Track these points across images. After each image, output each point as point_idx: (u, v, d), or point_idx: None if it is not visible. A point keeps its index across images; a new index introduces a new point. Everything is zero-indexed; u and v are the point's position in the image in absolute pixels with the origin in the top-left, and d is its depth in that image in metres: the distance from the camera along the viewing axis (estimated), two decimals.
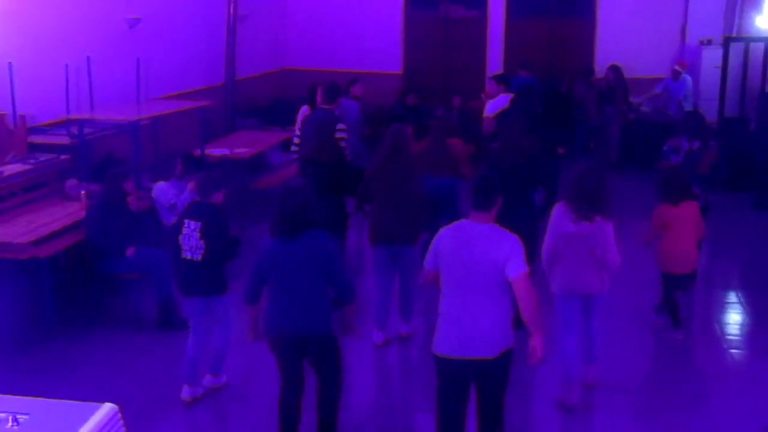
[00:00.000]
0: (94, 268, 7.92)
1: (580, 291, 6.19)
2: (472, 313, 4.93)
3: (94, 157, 10.11)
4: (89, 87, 10.01)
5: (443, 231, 5.17)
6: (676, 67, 14.29)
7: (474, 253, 4.92)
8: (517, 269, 4.87)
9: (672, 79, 14.30)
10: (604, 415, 6.36)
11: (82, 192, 8.49)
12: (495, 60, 16.27)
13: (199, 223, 6.20)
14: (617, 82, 13.81)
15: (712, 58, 14.29)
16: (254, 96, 15.09)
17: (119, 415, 3.23)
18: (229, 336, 6.53)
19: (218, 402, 6.45)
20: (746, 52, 13.27)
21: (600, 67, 15.16)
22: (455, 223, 5.17)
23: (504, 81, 11.46)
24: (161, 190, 8.81)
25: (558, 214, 6.18)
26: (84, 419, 3.08)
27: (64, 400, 3.32)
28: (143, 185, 9.11)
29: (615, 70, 13.96)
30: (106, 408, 3.19)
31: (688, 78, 14.33)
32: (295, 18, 16.81)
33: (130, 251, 7.74)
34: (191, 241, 6.24)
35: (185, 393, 6.40)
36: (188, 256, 6.26)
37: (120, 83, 10.77)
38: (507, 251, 4.89)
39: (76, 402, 3.26)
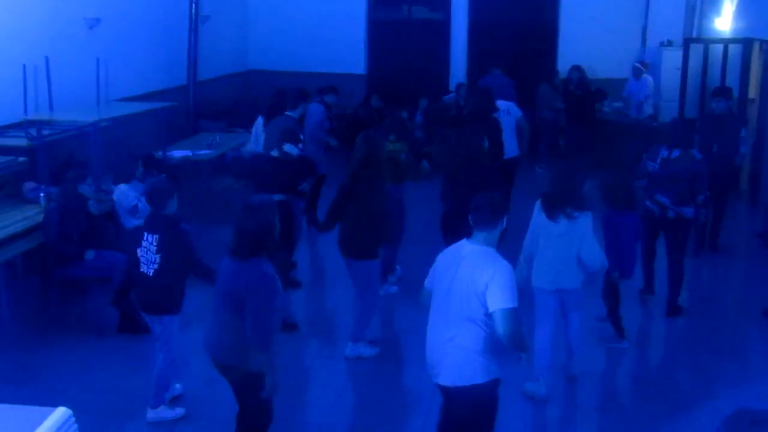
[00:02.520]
0: (54, 273, 7.79)
1: (556, 286, 6.34)
2: (443, 337, 4.72)
3: (53, 160, 9.96)
4: (48, 88, 9.85)
5: (445, 249, 5.03)
6: (637, 65, 14.44)
7: (458, 274, 4.69)
8: (494, 303, 4.54)
9: (634, 78, 14.44)
10: (577, 409, 6.40)
11: (42, 195, 8.36)
12: (459, 62, 16.33)
13: (156, 236, 5.97)
14: (580, 83, 13.90)
15: (672, 59, 14.46)
16: (216, 98, 14.98)
17: (74, 419, 3.17)
18: (171, 362, 6.13)
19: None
20: (706, 53, 13.42)
21: (562, 69, 15.30)
22: (460, 241, 4.91)
23: None
24: (122, 192, 8.70)
25: (536, 211, 6.41)
26: (37, 423, 3.02)
27: (17, 405, 3.25)
28: (104, 188, 8.98)
29: (578, 71, 14.07)
30: (60, 412, 3.13)
31: (650, 78, 14.47)
32: (258, 19, 16.74)
33: (89, 255, 7.63)
34: (148, 254, 5.99)
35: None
36: (143, 270, 6.04)
37: (80, 84, 10.61)
38: (488, 279, 4.56)
39: (29, 407, 3.19)
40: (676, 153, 7.93)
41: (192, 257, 6.05)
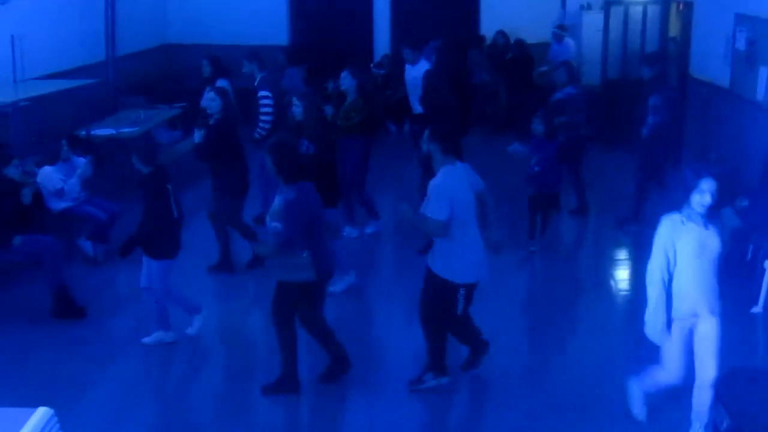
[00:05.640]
0: None
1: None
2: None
3: None
4: None
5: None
6: (556, 30, 14.57)
7: None
8: None
9: (556, 42, 14.58)
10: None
11: None
12: (382, 30, 16.22)
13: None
14: (508, 47, 13.97)
15: (592, 22, 14.60)
16: (136, 73, 14.60)
17: (56, 418, 3.05)
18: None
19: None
20: (626, 15, 13.63)
21: (485, 34, 15.34)
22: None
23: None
24: (46, 175, 8.45)
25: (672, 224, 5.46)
26: (20, 425, 2.89)
27: None
28: (27, 170, 8.69)
29: (503, 35, 14.15)
30: (41, 412, 3.01)
31: (571, 41, 14.61)
32: None
33: (17, 240, 7.38)
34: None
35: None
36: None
37: None
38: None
39: (8, 408, 3.05)
40: None
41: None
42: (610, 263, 9.16)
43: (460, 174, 5.97)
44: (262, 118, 9.19)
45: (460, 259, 5.88)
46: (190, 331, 7.05)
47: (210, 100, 8.17)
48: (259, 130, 9.19)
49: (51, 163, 8.53)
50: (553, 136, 9.05)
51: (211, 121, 8.12)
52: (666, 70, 10.11)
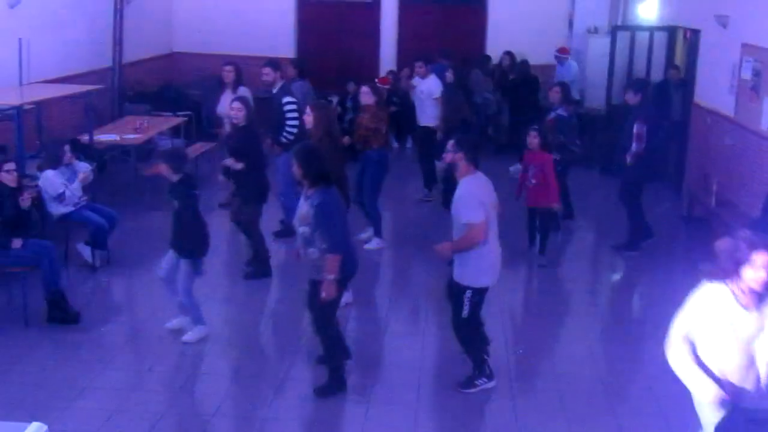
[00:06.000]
0: None
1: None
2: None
3: None
4: None
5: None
6: (557, 53, 14.60)
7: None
8: None
9: (559, 64, 14.60)
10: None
11: None
12: (388, 46, 16.27)
13: None
14: (510, 68, 13.98)
15: (598, 46, 14.66)
16: (141, 81, 14.63)
17: None
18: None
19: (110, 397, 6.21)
20: (632, 41, 13.66)
21: (491, 54, 15.37)
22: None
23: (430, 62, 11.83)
24: (48, 179, 8.43)
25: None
26: None
27: None
28: (28, 174, 8.68)
29: (510, 56, 14.17)
30: (35, 427, 2.97)
31: (574, 63, 14.65)
32: (183, 0, 16.36)
33: (16, 243, 7.35)
34: None
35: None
36: None
37: (1, 66, 10.23)
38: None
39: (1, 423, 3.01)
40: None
41: None
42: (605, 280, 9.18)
43: (483, 182, 6.22)
44: (289, 123, 9.40)
45: (477, 263, 6.09)
46: (187, 337, 7.09)
47: (237, 110, 8.33)
48: (285, 134, 9.41)
49: (53, 167, 8.51)
50: (548, 149, 9.29)
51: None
52: (649, 96, 10.15)
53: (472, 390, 6.37)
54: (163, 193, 7.31)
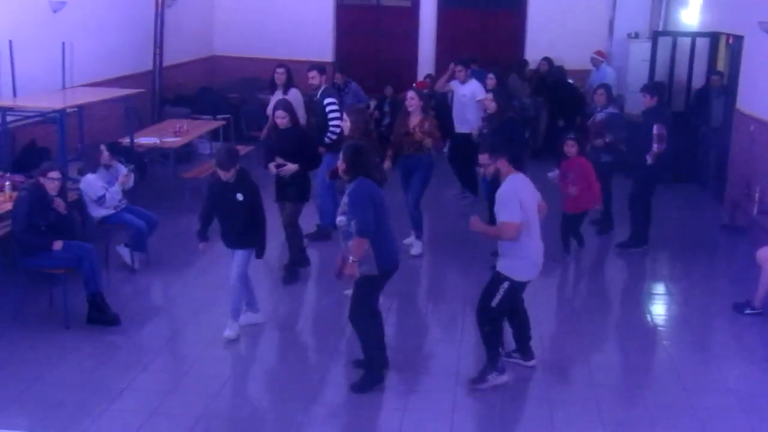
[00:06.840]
0: (20, 263, 7.59)
1: None
2: None
3: (17, 147, 9.74)
4: (11, 73, 9.61)
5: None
6: (594, 56, 14.49)
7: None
8: None
9: (594, 69, 14.49)
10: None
11: (7, 183, 8.15)
12: (427, 50, 16.25)
13: None
14: (548, 74, 13.89)
15: (638, 52, 14.50)
16: (181, 84, 14.75)
17: None
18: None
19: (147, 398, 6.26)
20: (674, 46, 13.50)
21: (529, 59, 15.29)
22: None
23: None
24: (88, 182, 8.52)
25: None
26: None
27: None
28: (69, 177, 8.78)
29: (548, 62, 14.07)
30: None
31: (609, 69, 14.50)
32: (224, 4, 16.49)
33: (57, 245, 7.44)
34: None
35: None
36: None
37: (44, 69, 10.38)
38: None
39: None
40: None
41: None
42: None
43: (525, 182, 6.40)
44: (332, 123, 9.52)
45: (521, 258, 6.28)
46: (228, 332, 7.18)
47: (281, 118, 8.42)
48: (329, 134, 9.53)
49: (93, 171, 8.59)
50: (585, 155, 9.43)
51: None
52: (663, 99, 10.35)
53: (483, 385, 6.44)
54: (201, 196, 7.37)
